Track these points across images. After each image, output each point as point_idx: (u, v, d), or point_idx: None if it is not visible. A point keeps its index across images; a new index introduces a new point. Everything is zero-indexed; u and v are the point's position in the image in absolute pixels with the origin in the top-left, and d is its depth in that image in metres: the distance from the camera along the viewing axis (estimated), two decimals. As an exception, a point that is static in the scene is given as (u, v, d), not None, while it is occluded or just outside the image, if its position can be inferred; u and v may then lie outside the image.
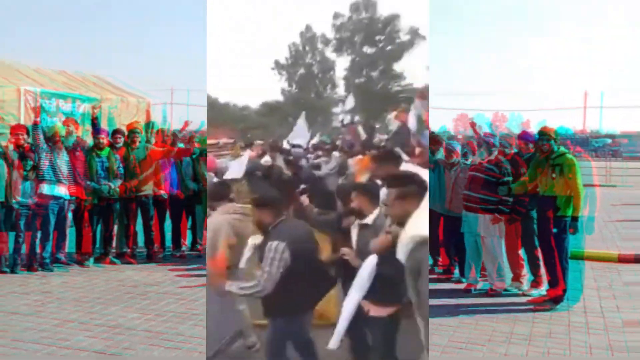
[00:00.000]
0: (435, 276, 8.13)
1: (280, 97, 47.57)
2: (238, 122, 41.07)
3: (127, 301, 6.86)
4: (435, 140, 8.45)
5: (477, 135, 8.06)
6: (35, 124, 8.40)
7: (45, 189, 8.18)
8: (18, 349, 5.22)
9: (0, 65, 12.32)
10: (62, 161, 8.36)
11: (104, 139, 8.84)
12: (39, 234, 8.32)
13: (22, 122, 10.60)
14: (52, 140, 8.36)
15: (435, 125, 9.34)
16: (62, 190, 8.33)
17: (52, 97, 11.91)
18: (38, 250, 8.36)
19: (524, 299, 7.06)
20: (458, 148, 8.11)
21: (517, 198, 7.07)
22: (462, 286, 7.58)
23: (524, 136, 7.73)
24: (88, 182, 8.59)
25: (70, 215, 8.62)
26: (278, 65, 48.39)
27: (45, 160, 8.21)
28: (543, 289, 7.17)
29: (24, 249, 8.27)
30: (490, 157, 7.29)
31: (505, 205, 7.10)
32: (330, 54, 46.30)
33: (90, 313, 6.38)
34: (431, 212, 8.13)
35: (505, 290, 7.27)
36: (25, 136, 8.42)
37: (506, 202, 7.10)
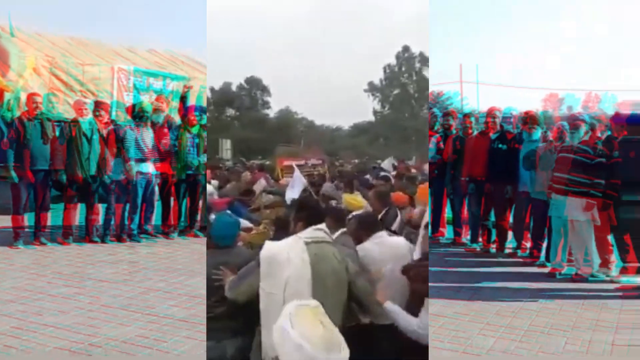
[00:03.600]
0: (519, 260, 7.93)
1: (372, 118, 47.73)
2: (329, 143, 40.37)
3: (209, 273, 7.06)
4: (531, 119, 8.06)
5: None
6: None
7: (132, 165, 8.51)
8: (108, 314, 5.48)
9: (95, 45, 12.87)
10: (148, 138, 8.65)
11: (194, 117, 9.09)
12: (127, 207, 8.69)
13: (115, 99, 11.08)
14: (138, 117, 8.66)
15: (523, 106, 9.03)
16: (148, 167, 8.64)
17: (144, 75, 12.34)
18: (127, 222, 8.73)
19: (612, 286, 6.77)
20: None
21: (609, 182, 6.75)
22: (546, 270, 7.34)
23: (616, 118, 7.35)
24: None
25: (157, 189, 8.94)
26: (372, 87, 48.26)
27: (132, 138, 8.52)
28: (633, 275, 6.85)
29: (113, 220, 8.66)
30: (585, 138, 6.98)
31: (598, 189, 6.79)
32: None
33: (174, 283, 6.62)
34: (519, 195, 7.92)
35: (592, 276, 6.98)
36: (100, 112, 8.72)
37: (599, 186, 6.79)
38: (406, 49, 47.13)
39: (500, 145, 8.09)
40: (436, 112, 10.43)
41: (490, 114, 8.48)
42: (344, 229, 4.57)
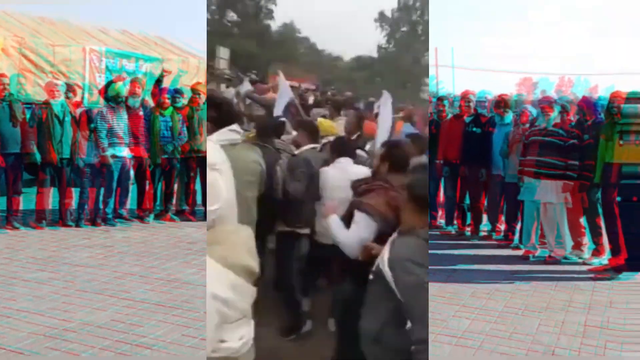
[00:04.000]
0: (494, 242, 8.03)
1: (374, 54, 44.40)
2: (326, 72, 38.31)
3: (185, 257, 7.04)
4: (504, 103, 8.11)
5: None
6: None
7: (106, 149, 8.37)
8: (83, 299, 5.43)
9: (66, 25, 12.63)
10: (122, 121, 8.49)
11: (167, 99, 8.97)
12: (102, 191, 8.59)
13: (86, 81, 10.90)
14: (113, 100, 8.50)
15: (498, 90, 9.07)
16: (122, 150, 8.51)
17: (116, 56, 12.14)
18: (101, 206, 8.63)
19: (584, 268, 6.89)
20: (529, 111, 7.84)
21: (583, 163, 6.84)
22: (520, 253, 7.44)
23: (585, 101, 7.43)
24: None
25: (132, 172, 8.84)
26: (382, 18, 44.13)
27: (105, 121, 8.37)
28: (604, 257, 6.98)
29: (87, 204, 8.56)
30: (557, 120, 7.05)
31: (573, 171, 6.88)
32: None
33: (150, 267, 6.57)
34: (494, 178, 8.00)
35: (565, 258, 7.10)
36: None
37: (574, 167, 6.87)
38: None
39: (474, 129, 8.14)
40: None
41: (465, 97, 8.53)
42: (314, 145, 5.06)
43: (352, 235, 3.74)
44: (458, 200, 8.52)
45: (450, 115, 8.68)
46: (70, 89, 8.68)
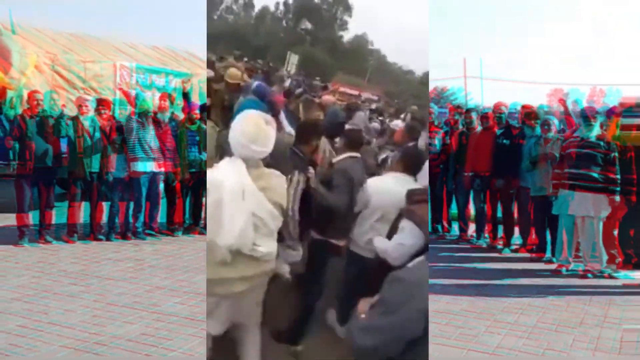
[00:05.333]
0: (526, 256, 7.90)
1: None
2: (397, 85, 38.30)
3: (214, 270, 7.05)
4: (534, 115, 8.02)
5: (567, 112, 7.75)
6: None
7: (135, 164, 8.45)
8: (113, 312, 5.46)
9: (97, 41, 12.83)
10: (151, 136, 8.54)
11: (197, 114, 9.04)
12: (131, 205, 8.66)
13: (117, 97, 11.05)
14: (141, 115, 8.58)
15: (527, 100, 8.98)
16: (151, 166, 8.57)
17: (146, 72, 12.30)
18: (131, 220, 8.71)
19: (619, 282, 6.73)
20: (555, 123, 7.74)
21: (625, 177, 6.68)
22: (553, 266, 7.30)
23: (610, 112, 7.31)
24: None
25: (162, 187, 8.91)
26: None
27: (134, 136, 8.44)
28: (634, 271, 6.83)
29: (117, 218, 8.64)
30: (597, 133, 6.90)
31: (615, 184, 6.72)
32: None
33: (179, 281, 6.59)
34: (523, 190, 7.89)
35: (600, 272, 6.94)
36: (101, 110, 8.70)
37: (616, 181, 6.71)
38: None
39: (504, 141, 8.05)
40: (433, 107, 10.40)
41: (496, 109, 8.44)
42: (353, 154, 4.83)
43: (394, 242, 3.73)
44: (489, 213, 8.42)
45: (480, 128, 8.59)
46: (102, 103, 8.80)
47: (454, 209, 9.20)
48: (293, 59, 29.39)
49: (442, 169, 8.94)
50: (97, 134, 8.39)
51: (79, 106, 8.56)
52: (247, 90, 7.53)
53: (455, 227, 9.10)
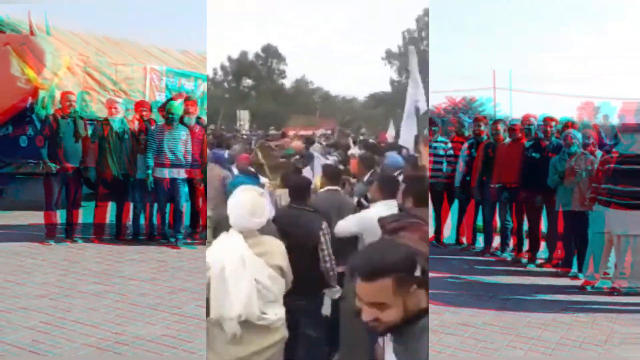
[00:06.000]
0: (551, 270, 7.78)
1: (388, 88, 46.29)
2: (345, 114, 41.29)
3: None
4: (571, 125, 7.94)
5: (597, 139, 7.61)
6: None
7: (161, 170, 8.39)
8: (135, 313, 5.51)
9: (128, 45, 13.01)
10: (176, 140, 8.41)
11: None
12: (156, 207, 8.72)
13: (147, 99, 11.17)
14: (167, 117, 8.54)
15: (557, 114, 8.87)
16: (176, 172, 8.44)
17: (176, 75, 12.43)
18: (156, 222, 8.77)
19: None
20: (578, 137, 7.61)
21: None
22: (579, 282, 7.18)
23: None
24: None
25: (186, 190, 8.91)
26: (389, 55, 47.11)
27: (159, 140, 8.35)
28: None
29: (143, 219, 8.71)
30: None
31: None
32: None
33: (201, 284, 6.59)
34: (551, 204, 7.77)
35: (628, 289, 6.80)
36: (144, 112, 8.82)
37: None
38: (427, 12, 44.33)
39: (534, 154, 7.95)
40: (462, 117, 10.32)
41: (525, 120, 8.35)
42: (333, 187, 5.01)
43: None
44: (515, 226, 8.32)
45: (508, 139, 8.50)
46: (144, 105, 8.92)
47: (479, 221, 9.10)
48: (243, 115, 30.67)
49: (468, 180, 8.86)
50: (126, 136, 8.48)
51: (109, 108, 8.66)
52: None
53: (480, 239, 9.00)
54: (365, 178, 5.85)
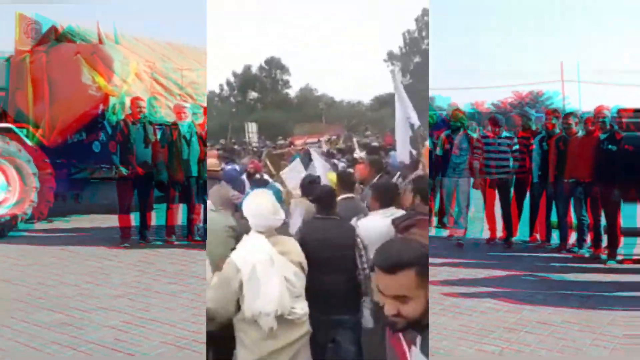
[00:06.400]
0: (635, 267, 7.47)
1: (392, 90, 46.13)
2: (351, 119, 41.43)
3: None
4: None
5: None
6: None
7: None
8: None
9: (192, 50, 13.24)
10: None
11: None
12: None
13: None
14: None
15: (628, 105, 8.50)
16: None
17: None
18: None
19: None
20: None
21: None
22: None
23: None
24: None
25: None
26: (391, 56, 46.83)
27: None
28: None
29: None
30: None
31: None
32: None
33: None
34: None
35: None
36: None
37: None
38: (426, 12, 45.42)
39: (610, 146, 7.66)
40: (529, 111, 10.04)
41: (598, 113, 8.06)
42: (349, 195, 5.16)
43: None
44: (591, 222, 8.03)
45: (580, 133, 8.22)
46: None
47: (552, 217, 8.83)
48: (251, 128, 31.13)
49: (540, 175, 8.61)
50: (194, 139, 8.63)
51: (178, 113, 8.84)
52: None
53: (555, 235, 8.73)
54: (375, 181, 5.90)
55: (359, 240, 4.12)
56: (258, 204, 3.74)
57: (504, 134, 8.85)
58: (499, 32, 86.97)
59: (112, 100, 10.23)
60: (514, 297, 6.10)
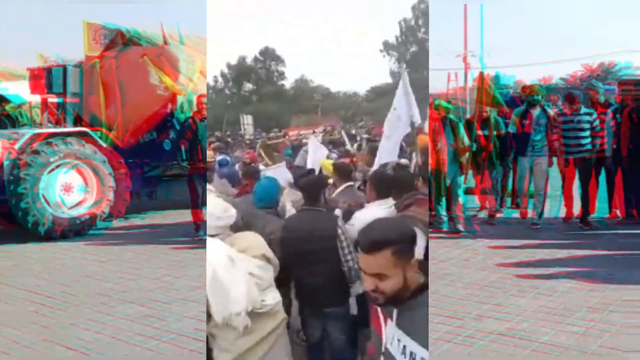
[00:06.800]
0: None
1: (389, 79, 45.04)
2: (347, 110, 41.35)
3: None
4: None
5: None
6: None
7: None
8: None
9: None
10: None
11: None
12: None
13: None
14: None
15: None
16: None
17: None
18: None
19: None
20: None
21: None
22: None
23: None
24: None
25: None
26: (387, 46, 45.72)
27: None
28: None
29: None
30: None
31: None
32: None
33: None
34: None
35: None
36: None
37: None
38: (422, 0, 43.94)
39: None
40: (595, 84, 9.63)
41: None
42: (349, 183, 5.28)
43: None
44: None
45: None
46: None
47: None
48: (246, 120, 30.77)
49: (615, 149, 8.27)
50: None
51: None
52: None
53: (635, 212, 8.38)
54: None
55: (340, 231, 4.02)
56: (208, 206, 3.77)
57: (583, 109, 8.46)
58: (562, 6, 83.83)
59: (180, 99, 10.47)
60: (596, 277, 5.90)
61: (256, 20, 71.71)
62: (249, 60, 50.54)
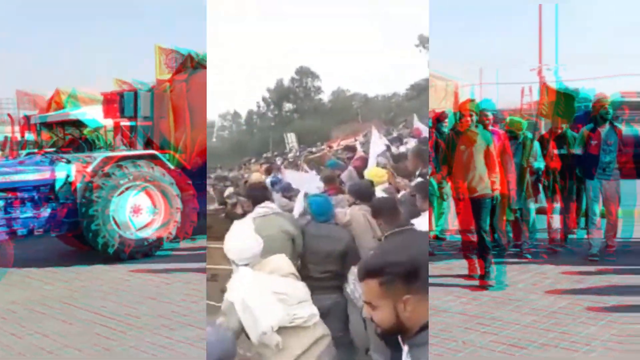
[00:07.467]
0: None
1: (426, 74, 43.55)
2: (387, 112, 40.69)
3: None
4: None
5: None
6: None
7: None
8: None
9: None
10: None
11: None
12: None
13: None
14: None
15: None
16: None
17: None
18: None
19: None
20: None
21: None
22: None
23: None
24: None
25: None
26: (422, 40, 44.59)
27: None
28: None
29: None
30: None
31: None
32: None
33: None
34: None
35: None
36: None
37: None
38: None
39: None
40: None
41: None
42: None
43: None
44: None
45: None
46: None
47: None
48: (291, 138, 30.88)
49: None
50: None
51: None
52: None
53: None
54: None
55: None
56: (236, 239, 3.85)
57: None
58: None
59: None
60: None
61: (256, 19, 72.18)
62: (285, 82, 52.65)
